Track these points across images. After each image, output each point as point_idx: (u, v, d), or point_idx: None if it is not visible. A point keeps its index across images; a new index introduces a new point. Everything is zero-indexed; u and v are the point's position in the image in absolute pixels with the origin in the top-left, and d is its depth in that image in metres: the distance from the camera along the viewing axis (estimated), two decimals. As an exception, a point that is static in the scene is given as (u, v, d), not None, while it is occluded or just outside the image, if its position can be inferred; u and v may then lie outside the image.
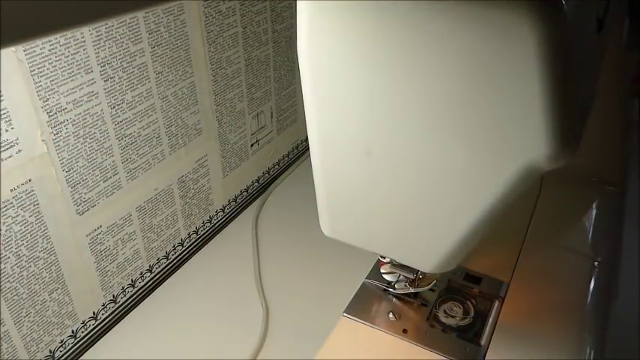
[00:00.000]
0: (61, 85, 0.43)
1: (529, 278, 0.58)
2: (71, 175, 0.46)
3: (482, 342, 0.51)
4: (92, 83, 0.45)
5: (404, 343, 0.51)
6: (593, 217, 0.69)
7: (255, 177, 0.73)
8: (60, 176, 0.45)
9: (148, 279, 0.58)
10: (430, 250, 0.43)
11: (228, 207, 0.69)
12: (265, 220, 0.70)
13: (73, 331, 0.51)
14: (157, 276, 0.60)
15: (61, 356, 0.50)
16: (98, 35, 0.44)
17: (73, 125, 0.45)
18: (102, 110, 0.47)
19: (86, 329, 0.52)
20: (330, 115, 0.40)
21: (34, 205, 0.44)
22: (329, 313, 0.54)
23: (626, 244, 0.68)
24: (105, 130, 0.48)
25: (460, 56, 0.32)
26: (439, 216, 0.40)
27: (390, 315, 0.53)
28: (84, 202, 0.48)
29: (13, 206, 0.42)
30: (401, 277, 0.53)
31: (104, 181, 0.49)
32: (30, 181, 0.43)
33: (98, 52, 0.45)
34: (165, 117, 0.54)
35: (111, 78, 0.47)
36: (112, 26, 0.45)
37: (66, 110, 0.44)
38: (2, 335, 0.44)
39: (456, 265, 0.44)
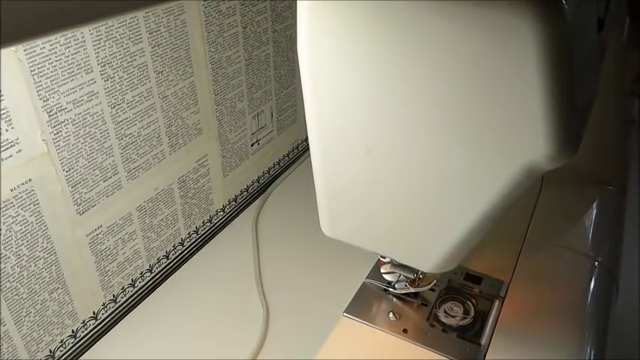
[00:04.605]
0: (61, 85, 0.43)
1: (529, 278, 0.58)
2: (71, 174, 0.46)
3: (483, 342, 0.51)
4: (92, 83, 0.45)
5: (404, 342, 0.51)
6: (593, 217, 0.69)
7: (256, 177, 0.73)
8: (60, 176, 0.45)
9: (148, 279, 0.58)
10: (430, 249, 0.43)
11: (228, 207, 0.69)
12: (265, 219, 0.70)
13: (73, 331, 0.51)
14: (158, 276, 0.60)
15: (61, 356, 0.50)
16: (98, 35, 0.44)
17: (73, 125, 0.45)
18: (102, 110, 0.47)
19: (86, 329, 0.52)
20: (330, 114, 0.40)
21: (34, 205, 0.44)
22: (329, 312, 0.54)
23: (626, 244, 0.68)
24: (105, 130, 0.48)
25: (460, 56, 0.32)
26: (439, 216, 0.40)
27: (391, 315, 0.53)
28: (84, 201, 0.48)
29: (14, 206, 0.42)
30: (401, 276, 0.53)
31: (104, 181, 0.49)
32: (30, 180, 0.43)
33: (98, 52, 0.45)
34: (166, 117, 0.54)
35: (111, 78, 0.47)
36: (112, 26, 0.45)
37: (66, 110, 0.44)
38: (2, 335, 0.44)
39: (456, 265, 0.44)
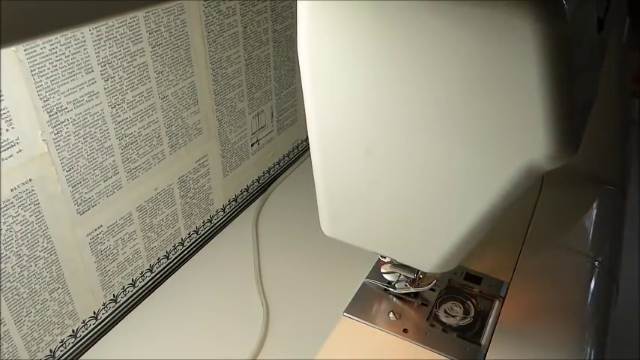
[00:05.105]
0: (61, 85, 0.43)
1: (529, 278, 0.58)
2: (72, 174, 0.46)
3: (483, 342, 0.51)
4: (92, 83, 0.45)
5: (404, 342, 0.51)
6: (593, 217, 0.69)
7: (256, 177, 0.73)
8: (60, 176, 0.45)
9: (148, 278, 0.58)
10: (430, 249, 0.43)
11: (228, 207, 0.69)
12: (265, 219, 0.70)
13: (73, 331, 0.51)
14: (158, 275, 0.60)
15: (62, 356, 0.50)
16: (98, 35, 0.44)
17: (73, 125, 0.45)
18: (102, 110, 0.47)
19: (87, 329, 0.52)
20: (330, 114, 0.40)
21: (34, 205, 0.44)
22: (329, 312, 0.54)
23: (626, 244, 0.68)
24: (105, 130, 0.48)
25: (461, 56, 0.32)
26: (439, 215, 0.40)
27: (391, 315, 0.53)
28: (84, 201, 0.48)
29: (14, 206, 0.42)
30: (401, 276, 0.53)
31: (104, 181, 0.49)
32: (30, 180, 0.43)
33: (98, 52, 0.45)
34: (166, 117, 0.54)
35: (111, 77, 0.47)
36: (113, 26, 0.45)
37: (66, 110, 0.44)
38: (3, 335, 0.44)
39: (456, 265, 0.44)
